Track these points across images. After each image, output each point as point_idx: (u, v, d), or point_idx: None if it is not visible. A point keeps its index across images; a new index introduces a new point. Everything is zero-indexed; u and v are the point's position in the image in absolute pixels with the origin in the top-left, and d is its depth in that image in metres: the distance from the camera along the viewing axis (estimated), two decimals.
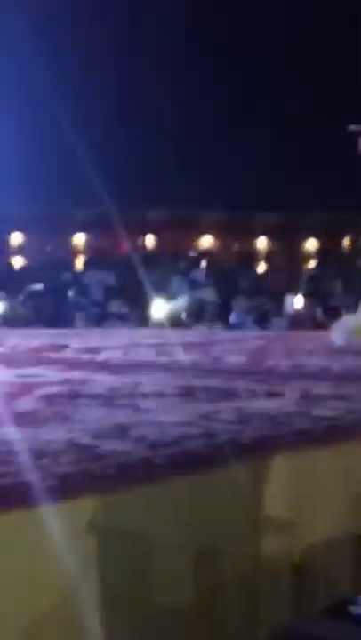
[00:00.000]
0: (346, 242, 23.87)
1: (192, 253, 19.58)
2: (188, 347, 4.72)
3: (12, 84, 17.20)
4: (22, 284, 14.95)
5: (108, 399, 2.48)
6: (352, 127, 4.78)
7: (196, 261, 17.57)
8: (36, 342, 5.08)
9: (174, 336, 6.59)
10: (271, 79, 19.78)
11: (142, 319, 12.26)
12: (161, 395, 2.59)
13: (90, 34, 19.77)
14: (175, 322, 10.56)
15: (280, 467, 1.88)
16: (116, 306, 13.53)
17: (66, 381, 2.93)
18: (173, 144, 19.40)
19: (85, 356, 4.13)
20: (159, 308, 11.71)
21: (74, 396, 2.55)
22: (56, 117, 14.71)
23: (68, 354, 4.33)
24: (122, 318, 12.71)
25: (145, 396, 2.57)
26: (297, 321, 8.52)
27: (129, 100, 20.30)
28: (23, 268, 19.86)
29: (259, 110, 19.76)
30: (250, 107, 19.75)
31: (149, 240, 22.79)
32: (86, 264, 19.75)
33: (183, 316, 9.52)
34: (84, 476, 1.55)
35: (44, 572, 1.39)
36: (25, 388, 2.68)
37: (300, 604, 1.82)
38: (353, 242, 23.40)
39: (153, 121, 19.98)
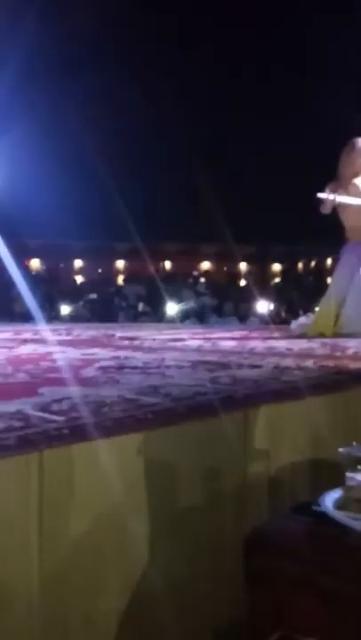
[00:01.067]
0: (300, 265, 23.81)
1: (195, 273, 19.50)
2: (193, 335, 4.72)
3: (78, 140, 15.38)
4: (82, 294, 15.02)
5: (143, 369, 2.48)
6: (320, 195, 4.40)
7: (198, 278, 17.54)
8: (92, 332, 5.09)
9: (184, 328, 6.58)
10: None
11: (160, 317, 12.32)
12: (179, 366, 2.58)
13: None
14: (184, 318, 10.58)
15: (261, 415, 1.88)
16: (143, 307, 13.55)
17: (114, 358, 2.93)
18: (181, 189, 17.32)
19: (126, 342, 4.13)
20: (172, 309, 11.67)
21: (120, 367, 2.55)
22: (100, 174, 13.92)
23: (114, 340, 4.33)
24: (146, 315, 12.70)
25: (168, 367, 2.56)
26: (268, 318, 8.48)
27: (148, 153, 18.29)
28: (83, 284, 19.84)
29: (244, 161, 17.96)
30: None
31: (167, 264, 22.72)
32: (124, 280, 19.75)
33: (190, 314, 9.52)
34: (129, 419, 1.55)
35: (102, 486, 1.41)
36: (87, 362, 2.68)
37: (274, 506, 1.83)
38: (305, 265, 23.31)
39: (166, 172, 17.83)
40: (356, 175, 4.44)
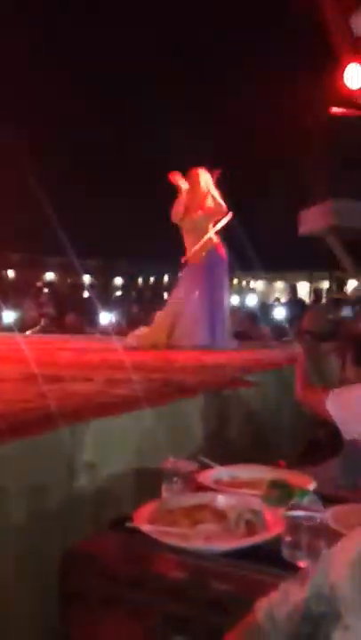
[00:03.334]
0: (140, 280, 24.13)
1: (39, 284, 18.83)
2: (32, 345, 4.53)
3: None
4: None
5: None
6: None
7: (42, 289, 16.97)
8: None
9: (24, 338, 6.30)
10: None
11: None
12: (10, 379, 2.43)
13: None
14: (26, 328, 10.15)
15: (90, 428, 1.83)
16: None
17: None
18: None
19: None
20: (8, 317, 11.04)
21: None
22: None
23: None
24: None
25: None
26: (109, 330, 8.45)
27: None
28: None
29: None
30: None
31: (10, 273, 21.62)
32: None
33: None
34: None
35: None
36: None
37: (99, 518, 1.78)
38: (144, 281, 23.71)
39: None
40: (197, 207, 4.61)
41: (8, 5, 11.85)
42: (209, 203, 4.62)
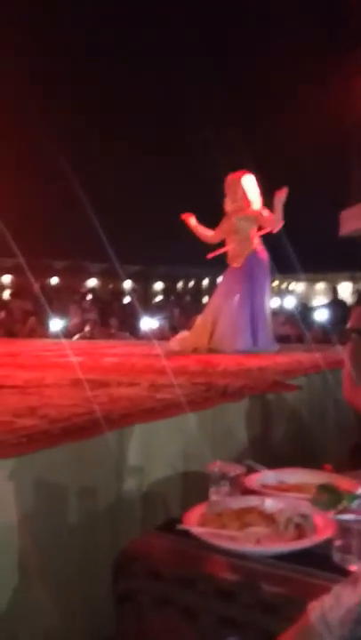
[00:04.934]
0: (179, 285, 24.32)
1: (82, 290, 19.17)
2: (77, 351, 4.62)
3: None
4: None
5: (22, 388, 2.36)
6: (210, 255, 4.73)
7: (85, 294, 17.28)
8: None
9: (69, 344, 6.42)
10: None
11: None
12: (59, 385, 2.49)
13: None
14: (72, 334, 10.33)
15: (136, 432, 1.87)
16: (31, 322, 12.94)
17: None
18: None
19: (7, 358, 3.93)
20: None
21: None
22: None
23: None
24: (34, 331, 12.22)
25: (48, 386, 2.46)
26: (152, 334, 8.52)
27: None
28: None
29: None
30: None
31: (53, 280, 22.07)
32: (11, 295, 18.83)
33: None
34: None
35: None
36: None
37: (147, 520, 1.81)
38: (184, 285, 23.85)
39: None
40: (240, 209, 4.62)
41: None
42: (254, 206, 4.61)
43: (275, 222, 4.50)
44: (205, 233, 4.75)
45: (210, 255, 4.77)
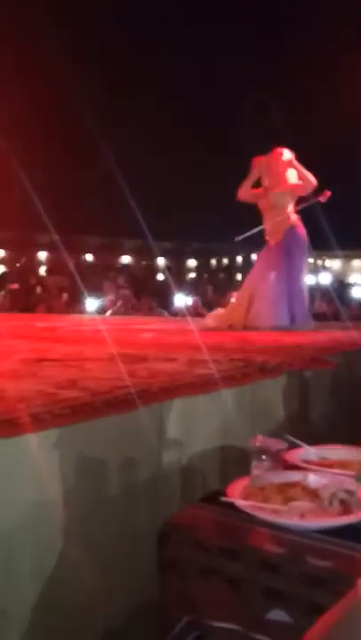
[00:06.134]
0: (213, 262, 24.21)
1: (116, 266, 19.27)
2: (113, 327, 4.66)
3: None
4: (3, 284, 14.30)
5: (63, 362, 2.40)
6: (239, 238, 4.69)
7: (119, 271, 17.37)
8: (13, 323, 4.89)
9: (104, 320, 6.49)
10: None
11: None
12: (98, 359, 2.52)
13: None
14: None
15: (175, 406, 1.88)
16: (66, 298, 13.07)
17: (34, 350, 2.82)
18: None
19: (47, 333, 4.00)
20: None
21: (40, 360, 2.46)
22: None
23: (35, 331, 4.17)
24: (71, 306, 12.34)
25: (87, 360, 2.49)
26: (185, 311, 8.52)
27: None
28: (4, 274, 18.98)
29: None
30: None
31: (88, 257, 22.20)
32: (47, 271, 19.04)
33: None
34: (47, 414, 1.50)
35: (17, 480, 1.35)
36: (6, 354, 2.57)
37: (186, 493, 1.83)
38: (218, 262, 23.74)
39: None
40: (276, 184, 4.55)
41: None
42: (292, 179, 4.53)
43: (305, 186, 4.45)
44: (248, 186, 4.64)
45: (238, 238, 4.73)
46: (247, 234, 4.66)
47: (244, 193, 4.62)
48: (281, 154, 4.55)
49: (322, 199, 4.48)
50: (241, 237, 4.70)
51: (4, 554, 1.33)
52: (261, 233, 4.66)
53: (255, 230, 4.61)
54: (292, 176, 4.52)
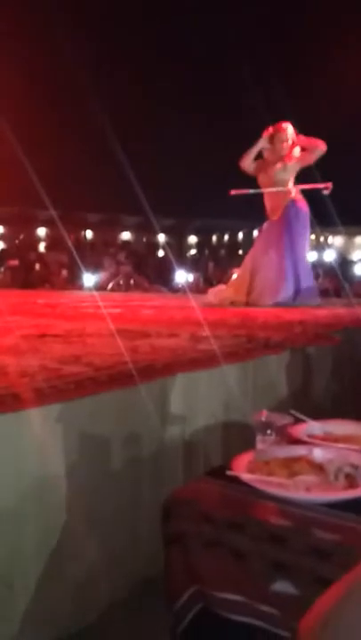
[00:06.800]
0: (214, 238, 24.03)
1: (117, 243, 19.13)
2: (114, 303, 4.64)
3: None
4: (2, 260, 14.18)
5: (65, 337, 2.39)
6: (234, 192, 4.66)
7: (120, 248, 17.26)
8: (13, 299, 4.87)
9: (105, 296, 6.47)
10: None
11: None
12: (100, 335, 2.51)
13: None
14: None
15: (178, 382, 1.87)
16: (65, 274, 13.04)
17: (36, 326, 2.81)
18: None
19: (48, 309, 3.98)
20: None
21: (42, 335, 2.45)
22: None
23: (36, 307, 4.15)
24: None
25: (89, 335, 2.48)
26: (187, 288, 8.49)
27: None
28: (3, 250, 18.86)
29: None
30: None
31: (88, 234, 22.04)
32: (46, 248, 18.91)
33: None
34: (51, 389, 1.49)
35: (22, 454, 1.35)
36: (8, 330, 2.55)
37: (189, 467, 1.84)
38: (218, 239, 23.58)
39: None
40: (278, 160, 4.48)
41: None
42: (295, 153, 4.48)
43: (313, 152, 4.41)
44: (251, 155, 4.59)
45: (233, 192, 4.71)
46: (243, 191, 4.64)
47: (246, 162, 4.56)
48: (285, 129, 4.48)
49: (325, 191, 4.46)
50: (236, 192, 4.68)
51: (9, 528, 1.33)
52: (260, 198, 4.59)
53: (252, 191, 4.58)
54: (296, 151, 4.47)
